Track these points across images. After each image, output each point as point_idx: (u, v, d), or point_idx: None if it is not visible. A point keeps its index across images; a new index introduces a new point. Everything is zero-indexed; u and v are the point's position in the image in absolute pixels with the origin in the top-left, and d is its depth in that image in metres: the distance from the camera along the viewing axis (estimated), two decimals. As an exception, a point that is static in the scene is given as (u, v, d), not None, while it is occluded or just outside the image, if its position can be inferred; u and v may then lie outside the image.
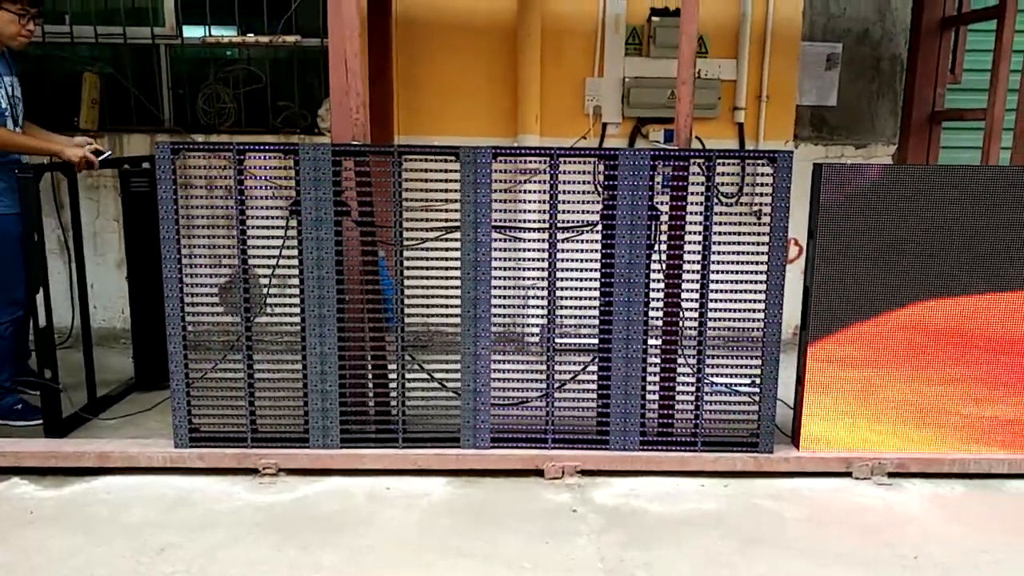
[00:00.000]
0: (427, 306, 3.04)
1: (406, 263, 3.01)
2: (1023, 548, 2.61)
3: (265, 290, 3.04)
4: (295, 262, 2.98)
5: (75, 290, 3.57)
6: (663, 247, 3.05)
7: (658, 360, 3.13)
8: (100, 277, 4.68)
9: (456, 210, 2.95)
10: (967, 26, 4.57)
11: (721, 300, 3.02)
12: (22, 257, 3.30)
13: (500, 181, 2.97)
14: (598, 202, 3.03)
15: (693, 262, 3.02)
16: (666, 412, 3.15)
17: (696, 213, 3.00)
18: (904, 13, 4.82)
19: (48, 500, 2.85)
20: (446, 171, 2.95)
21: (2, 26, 3.26)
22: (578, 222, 3.02)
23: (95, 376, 3.61)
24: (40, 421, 3.29)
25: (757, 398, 3.06)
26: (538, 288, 3.07)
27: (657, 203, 2.99)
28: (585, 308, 3.06)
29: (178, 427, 3.03)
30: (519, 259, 3.15)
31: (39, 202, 3.17)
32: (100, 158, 3.44)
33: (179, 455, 3.02)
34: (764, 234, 2.97)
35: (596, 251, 3.01)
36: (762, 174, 2.97)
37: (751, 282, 3.00)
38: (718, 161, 2.96)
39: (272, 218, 2.99)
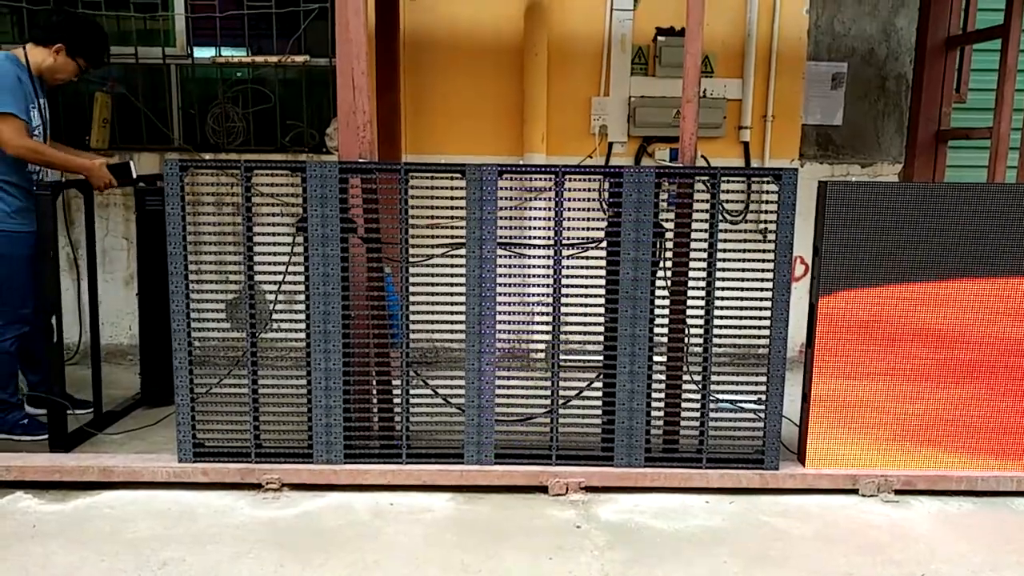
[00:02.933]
0: (432, 322, 3.05)
1: (412, 279, 3.02)
2: (1032, 567, 2.59)
3: (271, 306, 3.06)
4: (301, 278, 2.99)
5: (84, 307, 3.60)
6: (668, 264, 3.06)
7: (663, 377, 3.13)
8: (108, 294, 4.70)
9: (462, 227, 2.97)
10: (972, 46, 4.59)
11: (726, 317, 3.02)
12: (31, 275, 3.34)
13: (506, 198, 2.98)
14: (603, 219, 3.04)
15: (698, 279, 3.02)
16: (671, 429, 3.14)
17: (701, 231, 3.00)
18: (909, 33, 4.85)
19: (51, 515, 2.85)
20: (452, 188, 2.96)
21: (61, 71, 3.43)
22: (583, 239, 3.03)
23: (102, 392, 3.62)
24: (45, 436, 3.30)
25: (762, 415, 3.04)
26: (543, 304, 3.07)
27: (662, 220, 2.99)
28: (590, 324, 3.06)
29: (182, 441, 3.04)
30: (524, 276, 3.15)
31: (55, 219, 3.20)
32: (125, 178, 3.52)
33: (182, 470, 3.03)
34: (770, 252, 2.97)
35: (601, 268, 3.01)
36: (768, 192, 2.97)
37: (757, 299, 3.00)
38: (723, 179, 2.97)
39: (279, 235, 3.01)
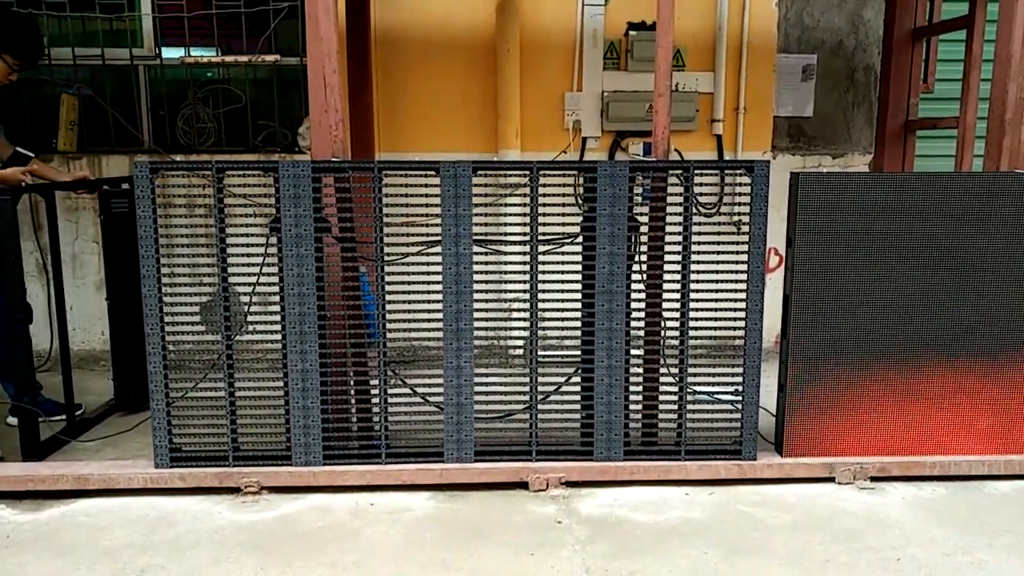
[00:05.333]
0: (409, 321, 3.04)
1: (388, 278, 3.01)
2: (1002, 548, 2.63)
3: (246, 308, 3.03)
4: (276, 279, 2.97)
5: (55, 312, 3.54)
6: (643, 258, 3.07)
7: (640, 370, 3.14)
8: (79, 299, 4.64)
9: (437, 224, 2.96)
10: (938, 36, 4.64)
11: (702, 309, 3.03)
12: None
13: (481, 195, 2.98)
14: (579, 214, 3.05)
15: (673, 272, 3.03)
16: (649, 422, 3.16)
17: (676, 224, 3.02)
18: (877, 24, 4.89)
19: (26, 524, 2.81)
20: (427, 186, 2.95)
21: None
22: (559, 234, 3.03)
23: (74, 398, 3.57)
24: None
25: (739, 406, 3.07)
26: (520, 300, 3.07)
27: (637, 214, 3.01)
28: (567, 319, 3.07)
29: (158, 447, 3.00)
30: (501, 272, 3.15)
31: (16, 223, 3.15)
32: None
33: (159, 475, 2.99)
34: (744, 243, 2.99)
35: (577, 263, 3.02)
36: (741, 184, 2.99)
37: (732, 291, 3.02)
38: (696, 172, 2.99)
39: (253, 235, 2.99)
